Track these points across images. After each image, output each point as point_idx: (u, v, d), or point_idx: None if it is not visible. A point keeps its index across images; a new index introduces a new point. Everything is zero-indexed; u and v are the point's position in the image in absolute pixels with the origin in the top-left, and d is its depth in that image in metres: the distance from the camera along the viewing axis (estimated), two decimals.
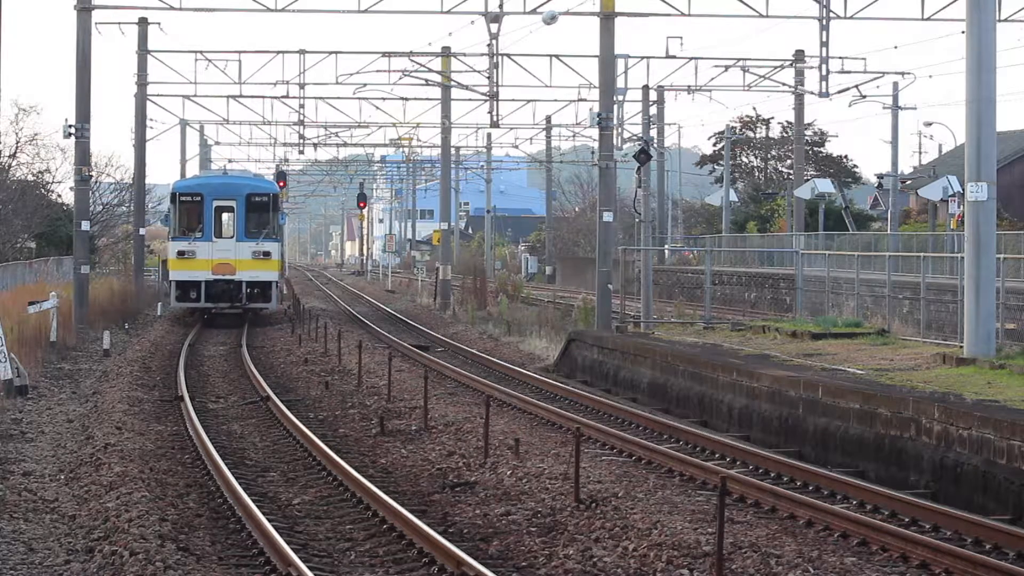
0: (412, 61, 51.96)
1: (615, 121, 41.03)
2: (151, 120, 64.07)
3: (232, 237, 47.42)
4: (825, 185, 68.06)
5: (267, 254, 47.50)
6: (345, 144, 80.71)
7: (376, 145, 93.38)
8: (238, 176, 52.75)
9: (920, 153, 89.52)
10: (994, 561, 14.49)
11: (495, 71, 46.26)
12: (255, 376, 31.73)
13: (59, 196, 69.30)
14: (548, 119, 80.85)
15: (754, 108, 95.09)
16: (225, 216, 47.75)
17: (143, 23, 57.90)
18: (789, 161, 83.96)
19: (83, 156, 45.45)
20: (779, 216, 77.69)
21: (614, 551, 14.95)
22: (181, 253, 47.14)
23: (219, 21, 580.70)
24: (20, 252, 59.47)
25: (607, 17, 40.02)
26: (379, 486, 18.18)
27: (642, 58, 53.05)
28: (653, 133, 59.98)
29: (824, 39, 45.53)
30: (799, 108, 64.84)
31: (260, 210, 47.93)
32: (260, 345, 41.27)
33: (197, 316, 48.95)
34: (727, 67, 53.92)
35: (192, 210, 47.73)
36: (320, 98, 64.09)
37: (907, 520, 16.89)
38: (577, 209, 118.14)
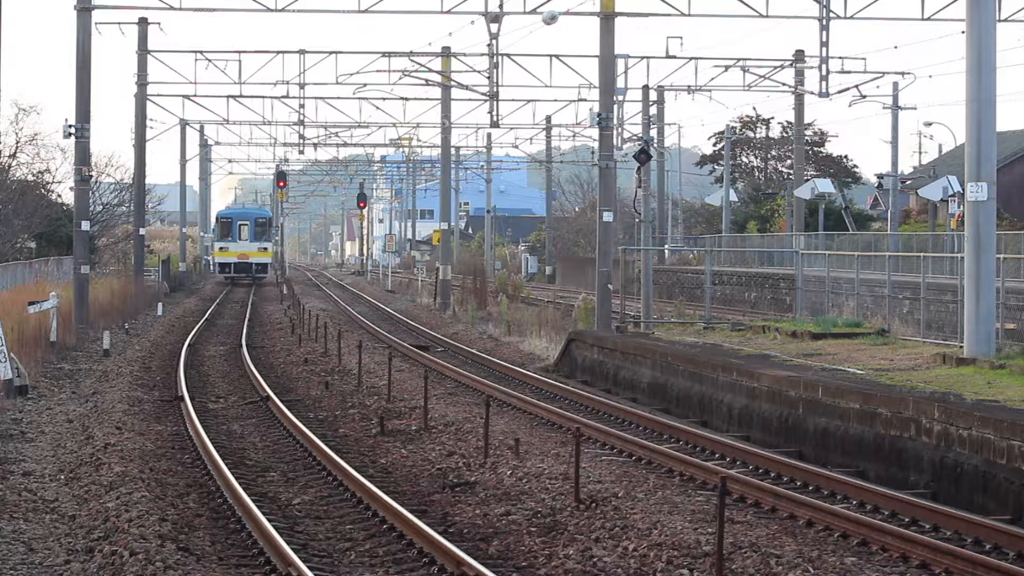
0: (412, 61, 51.95)
1: (615, 121, 40.99)
2: (151, 120, 64.27)
3: (247, 240, 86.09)
4: (825, 185, 68.00)
5: (265, 249, 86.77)
6: (345, 144, 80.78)
7: (376, 145, 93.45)
8: (251, 208, 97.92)
9: (920, 153, 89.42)
10: (994, 561, 14.48)
11: (495, 71, 46.23)
12: (255, 376, 31.72)
13: (59, 196, 69.15)
14: (548, 119, 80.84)
15: (754, 108, 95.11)
16: (244, 229, 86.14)
17: (143, 23, 57.97)
18: (789, 161, 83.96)
19: (83, 156, 45.44)
20: (779, 216, 77.66)
21: (614, 551, 14.95)
22: (221, 248, 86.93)
23: (219, 21, 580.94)
24: (20, 252, 59.36)
25: (607, 17, 40.00)
26: (379, 486, 18.17)
27: (642, 58, 53.08)
28: (653, 133, 59.97)
29: (824, 39, 45.53)
30: (799, 108, 64.83)
31: (262, 226, 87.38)
32: (260, 345, 41.28)
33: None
34: (727, 67, 53.90)
35: (227, 225, 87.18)
36: (320, 98, 64.21)
37: (907, 520, 16.89)
38: (577, 209, 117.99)
